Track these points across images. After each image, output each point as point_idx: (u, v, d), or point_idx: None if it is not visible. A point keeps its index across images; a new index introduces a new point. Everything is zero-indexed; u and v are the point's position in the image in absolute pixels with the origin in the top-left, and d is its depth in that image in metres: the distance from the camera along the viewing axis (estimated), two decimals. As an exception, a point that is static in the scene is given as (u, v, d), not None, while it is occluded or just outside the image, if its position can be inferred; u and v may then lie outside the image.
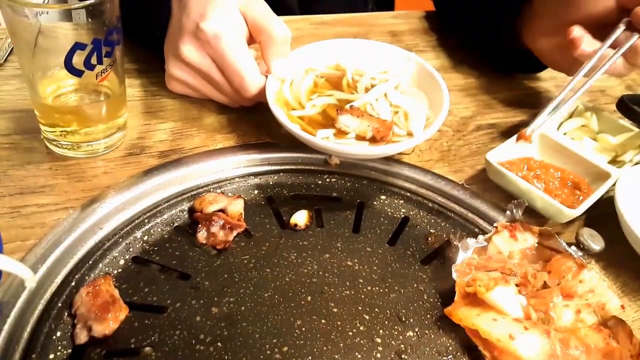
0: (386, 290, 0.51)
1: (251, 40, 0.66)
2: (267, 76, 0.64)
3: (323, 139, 0.60)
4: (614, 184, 0.62)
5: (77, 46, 0.54)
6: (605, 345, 0.47)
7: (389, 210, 0.61)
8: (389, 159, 0.66)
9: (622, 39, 0.66)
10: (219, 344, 0.44)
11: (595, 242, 0.55)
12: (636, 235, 0.56)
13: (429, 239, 0.58)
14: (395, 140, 0.62)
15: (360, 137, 0.62)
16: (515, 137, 0.66)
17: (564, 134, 0.73)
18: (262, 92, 0.63)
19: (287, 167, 0.64)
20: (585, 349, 0.46)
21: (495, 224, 0.55)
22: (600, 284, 0.50)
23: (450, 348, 0.47)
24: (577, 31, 0.67)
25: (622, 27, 0.66)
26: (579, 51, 0.67)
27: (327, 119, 0.64)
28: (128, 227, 0.53)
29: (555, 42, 0.72)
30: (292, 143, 0.64)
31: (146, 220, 0.54)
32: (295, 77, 0.68)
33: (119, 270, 0.50)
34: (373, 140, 0.62)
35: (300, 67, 0.69)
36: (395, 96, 0.67)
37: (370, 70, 0.71)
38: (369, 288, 0.51)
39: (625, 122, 0.73)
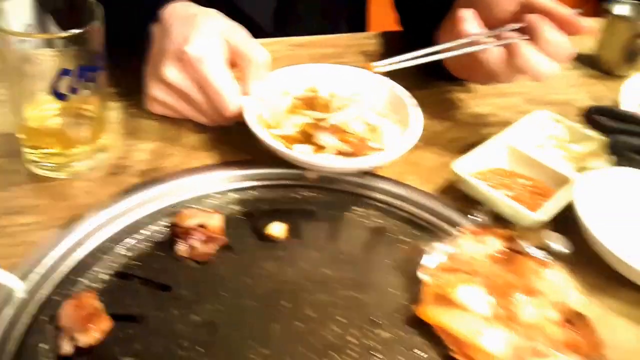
0: (361, 294, 0.53)
1: (231, 64, 0.69)
2: (246, 98, 0.67)
3: (302, 153, 0.63)
4: (578, 189, 0.65)
5: (63, 72, 0.57)
6: (569, 339, 0.49)
7: (364, 221, 0.63)
8: (364, 173, 0.68)
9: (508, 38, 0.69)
10: (199, 348, 0.46)
11: (560, 244, 0.58)
12: (595, 237, 0.59)
13: (402, 246, 0.60)
14: (371, 154, 0.65)
15: (338, 152, 0.65)
16: (482, 146, 0.70)
17: (533, 145, 0.76)
18: (242, 112, 0.66)
19: (265, 182, 0.66)
20: (550, 343, 0.49)
21: (462, 229, 0.57)
22: (563, 282, 0.53)
23: (420, 345, 0.49)
24: (464, 12, 0.71)
25: (512, 27, 0.69)
26: (460, 29, 0.70)
27: (306, 137, 0.67)
28: (110, 244, 0.55)
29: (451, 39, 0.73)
30: (271, 160, 0.66)
31: (127, 237, 0.56)
32: (273, 99, 0.71)
33: (102, 284, 0.52)
34: (350, 155, 0.65)
35: (277, 90, 0.73)
36: (369, 116, 0.71)
37: (343, 92, 0.75)
38: (343, 293, 0.53)
39: (592, 132, 0.77)
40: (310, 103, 0.73)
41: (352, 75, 0.76)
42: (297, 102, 0.73)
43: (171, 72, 0.65)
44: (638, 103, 0.90)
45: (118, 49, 0.69)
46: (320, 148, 0.66)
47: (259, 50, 0.68)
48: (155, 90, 0.68)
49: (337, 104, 0.72)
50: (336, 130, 0.67)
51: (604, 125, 0.74)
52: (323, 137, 0.65)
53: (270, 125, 0.69)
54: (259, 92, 0.69)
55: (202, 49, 0.64)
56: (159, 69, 0.65)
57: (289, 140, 0.67)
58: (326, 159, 0.64)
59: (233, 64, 0.69)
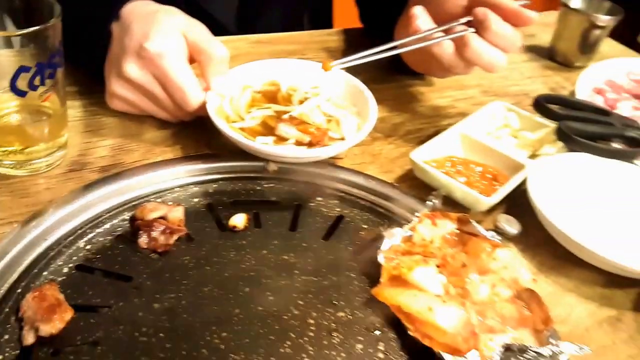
0: (320, 278, 0.54)
1: (191, 61, 0.70)
2: (207, 92, 0.68)
3: (264, 144, 0.65)
4: (529, 174, 0.67)
5: (22, 69, 0.57)
6: (519, 315, 0.51)
7: (324, 210, 0.65)
8: (324, 164, 0.70)
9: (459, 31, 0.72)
10: (161, 334, 0.47)
11: (511, 226, 0.60)
12: (547, 219, 0.62)
13: (362, 233, 0.62)
14: (331, 144, 0.68)
15: (298, 143, 0.67)
16: (438, 136, 0.72)
17: (487, 133, 0.79)
18: (203, 107, 0.67)
19: (226, 175, 0.67)
20: (501, 319, 0.51)
21: (417, 214, 0.59)
22: (513, 261, 0.55)
23: (377, 324, 0.51)
24: (416, 9, 0.74)
25: (461, 21, 0.73)
26: (413, 26, 0.73)
27: (267, 129, 0.69)
28: (71, 238, 0.56)
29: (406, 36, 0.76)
30: (232, 153, 0.68)
31: (88, 231, 0.57)
32: (234, 93, 0.73)
33: (64, 277, 0.52)
34: (310, 145, 0.67)
35: (237, 85, 0.74)
36: (328, 107, 0.73)
37: (303, 85, 0.77)
38: (303, 278, 0.54)
39: (543, 120, 0.79)
40: (270, 97, 0.75)
41: (311, 69, 0.78)
42: (258, 96, 0.75)
43: (132, 68, 0.66)
44: (589, 92, 0.93)
45: (76, 48, 0.70)
46: (281, 139, 0.68)
47: (218, 46, 0.69)
48: (117, 87, 0.69)
49: (297, 97, 0.75)
50: (297, 121, 0.69)
51: (553, 112, 0.77)
52: (284, 128, 0.68)
53: (232, 119, 0.70)
54: (220, 87, 0.70)
55: (162, 45, 0.65)
56: (120, 66, 0.66)
57: (251, 132, 0.68)
58: (287, 149, 0.66)
59: (192, 61, 0.70)
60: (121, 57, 0.66)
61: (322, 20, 1.23)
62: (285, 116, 0.70)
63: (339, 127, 0.71)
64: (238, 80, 0.74)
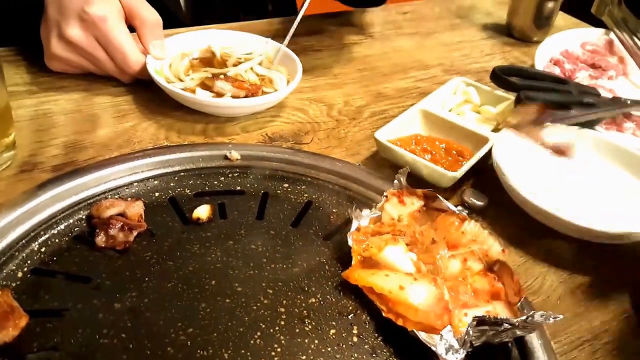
0: (289, 266, 0.53)
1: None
2: (147, 56, 0.73)
3: (204, 96, 0.72)
4: (493, 147, 0.66)
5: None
6: (492, 288, 0.51)
7: (292, 196, 0.63)
8: (290, 150, 0.68)
9: None
10: (123, 335, 0.45)
11: (478, 199, 0.60)
12: (514, 189, 0.61)
13: (331, 217, 0.60)
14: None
15: (235, 97, 0.74)
16: (401, 115, 0.71)
17: (450, 110, 0.78)
18: (143, 69, 0.71)
19: (187, 166, 0.64)
20: (474, 293, 0.50)
21: (384, 193, 0.58)
22: (481, 233, 0.54)
23: (350, 308, 0.49)
24: None
25: None
26: None
27: (205, 88, 0.75)
28: (24, 241, 0.53)
29: None
30: (191, 143, 0.65)
31: (42, 232, 0.54)
32: (173, 60, 0.78)
33: (18, 282, 0.49)
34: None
35: (176, 52, 0.79)
36: (260, 69, 0.81)
37: (236, 52, 0.83)
38: (272, 266, 0.52)
39: (503, 93, 0.79)
40: (207, 63, 0.81)
41: (241, 38, 0.85)
42: (195, 62, 0.80)
43: (74, 30, 0.69)
44: (547, 64, 0.93)
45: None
46: (218, 95, 0.73)
47: (150, 10, 0.74)
48: (58, 49, 0.71)
49: (232, 61, 0.80)
50: (232, 79, 0.75)
51: (512, 83, 0.76)
52: (220, 85, 0.74)
53: (171, 80, 0.74)
54: (156, 50, 0.74)
55: (103, 9, 0.68)
56: (61, 28, 0.69)
57: (190, 92, 0.72)
58: (226, 100, 0.72)
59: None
60: (62, 20, 0.68)
61: (286, 5, 1.21)
62: (222, 76, 0.76)
63: (271, 84, 0.79)
64: (177, 48, 0.79)
